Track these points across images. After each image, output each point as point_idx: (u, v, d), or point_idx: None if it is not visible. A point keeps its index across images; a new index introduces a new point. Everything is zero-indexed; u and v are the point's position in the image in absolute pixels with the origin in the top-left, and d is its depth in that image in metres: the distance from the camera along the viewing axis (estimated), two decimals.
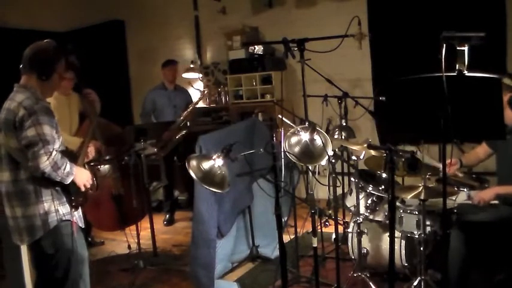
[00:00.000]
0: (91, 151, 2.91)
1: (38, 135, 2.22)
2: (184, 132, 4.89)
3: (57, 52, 2.44)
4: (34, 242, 2.39)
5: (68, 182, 2.37)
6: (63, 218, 2.39)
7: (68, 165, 2.33)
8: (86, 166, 2.87)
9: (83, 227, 2.58)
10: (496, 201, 2.95)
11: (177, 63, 5.58)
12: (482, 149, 3.31)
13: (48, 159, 2.22)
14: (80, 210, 2.54)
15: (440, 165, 3.04)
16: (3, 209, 2.46)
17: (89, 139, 2.93)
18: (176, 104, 5.41)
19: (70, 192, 2.43)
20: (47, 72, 2.39)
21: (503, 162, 3.10)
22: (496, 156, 3.19)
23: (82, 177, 2.49)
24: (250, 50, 5.73)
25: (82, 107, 4.11)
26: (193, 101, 5.49)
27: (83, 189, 2.51)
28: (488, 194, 2.95)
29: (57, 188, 2.38)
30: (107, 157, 3.94)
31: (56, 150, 2.28)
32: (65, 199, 2.42)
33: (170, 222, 5.45)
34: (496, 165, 3.20)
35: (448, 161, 3.18)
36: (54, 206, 2.37)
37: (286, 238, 2.81)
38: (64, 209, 2.41)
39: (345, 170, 4.23)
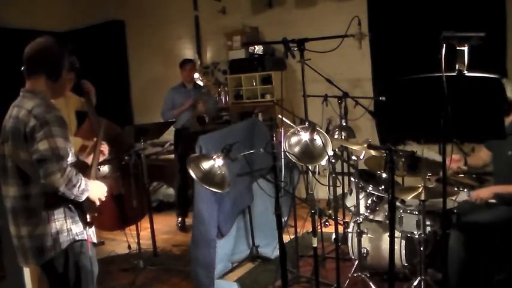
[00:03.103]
0: (105, 149, 2.56)
1: (51, 149, 2.00)
2: None
3: (61, 48, 2.21)
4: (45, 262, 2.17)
5: (83, 200, 2.16)
6: (76, 238, 2.18)
7: (83, 182, 2.10)
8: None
9: (96, 242, 2.39)
10: (493, 200, 2.95)
11: (193, 61, 5.64)
12: (484, 152, 3.30)
13: (62, 176, 2.00)
14: (93, 226, 2.33)
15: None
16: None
17: (101, 138, 2.57)
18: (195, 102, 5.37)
19: (83, 209, 2.22)
20: (56, 71, 2.17)
21: (499, 161, 3.11)
22: (493, 156, 3.20)
23: (97, 191, 2.25)
24: (250, 50, 5.75)
25: (82, 105, 4.12)
26: (212, 97, 5.61)
27: (98, 203, 2.27)
28: (485, 192, 2.95)
29: (70, 205, 2.17)
30: (107, 157, 3.94)
31: (70, 166, 2.07)
32: (78, 217, 2.20)
33: (183, 228, 5.27)
34: (492, 165, 3.21)
35: (453, 156, 3.19)
36: (67, 225, 2.15)
37: (286, 238, 2.81)
38: (77, 228, 2.19)
39: (345, 170, 4.22)
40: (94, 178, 2.29)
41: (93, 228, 2.31)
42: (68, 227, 2.16)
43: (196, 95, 5.40)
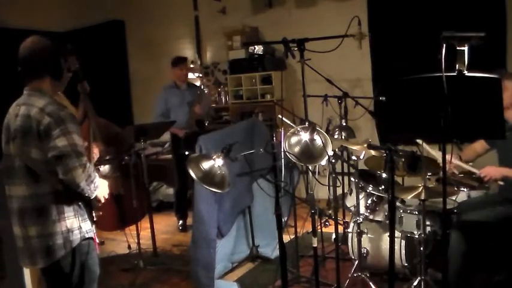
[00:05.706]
0: (95, 153, 2.67)
1: (70, 146, 2.00)
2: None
3: (57, 46, 2.22)
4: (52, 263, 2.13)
5: (94, 196, 2.18)
6: (86, 236, 2.18)
7: (97, 178, 2.14)
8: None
9: (98, 242, 2.47)
10: (501, 182, 2.96)
11: (186, 59, 5.34)
12: (479, 144, 3.30)
13: (83, 172, 2.02)
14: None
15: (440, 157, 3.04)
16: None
17: (91, 141, 2.72)
18: (190, 101, 5.11)
19: (91, 207, 2.25)
20: (59, 71, 2.18)
21: (505, 158, 3.10)
22: (498, 153, 3.20)
23: (103, 189, 2.30)
24: (250, 50, 5.74)
25: (76, 112, 4.13)
26: (207, 98, 5.39)
27: (103, 201, 2.33)
28: (496, 171, 2.95)
29: (79, 203, 2.17)
30: (107, 157, 3.94)
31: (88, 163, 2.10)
32: (86, 215, 2.21)
33: (184, 228, 5.25)
34: (498, 161, 3.20)
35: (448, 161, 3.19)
36: (78, 223, 2.14)
37: (286, 238, 2.81)
38: (86, 225, 2.19)
39: (345, 170, 4.22)
40: None
41: (94, 228, 2.34)
42: (79, 225, 2.15)
43: (192, 96, 5.18)
